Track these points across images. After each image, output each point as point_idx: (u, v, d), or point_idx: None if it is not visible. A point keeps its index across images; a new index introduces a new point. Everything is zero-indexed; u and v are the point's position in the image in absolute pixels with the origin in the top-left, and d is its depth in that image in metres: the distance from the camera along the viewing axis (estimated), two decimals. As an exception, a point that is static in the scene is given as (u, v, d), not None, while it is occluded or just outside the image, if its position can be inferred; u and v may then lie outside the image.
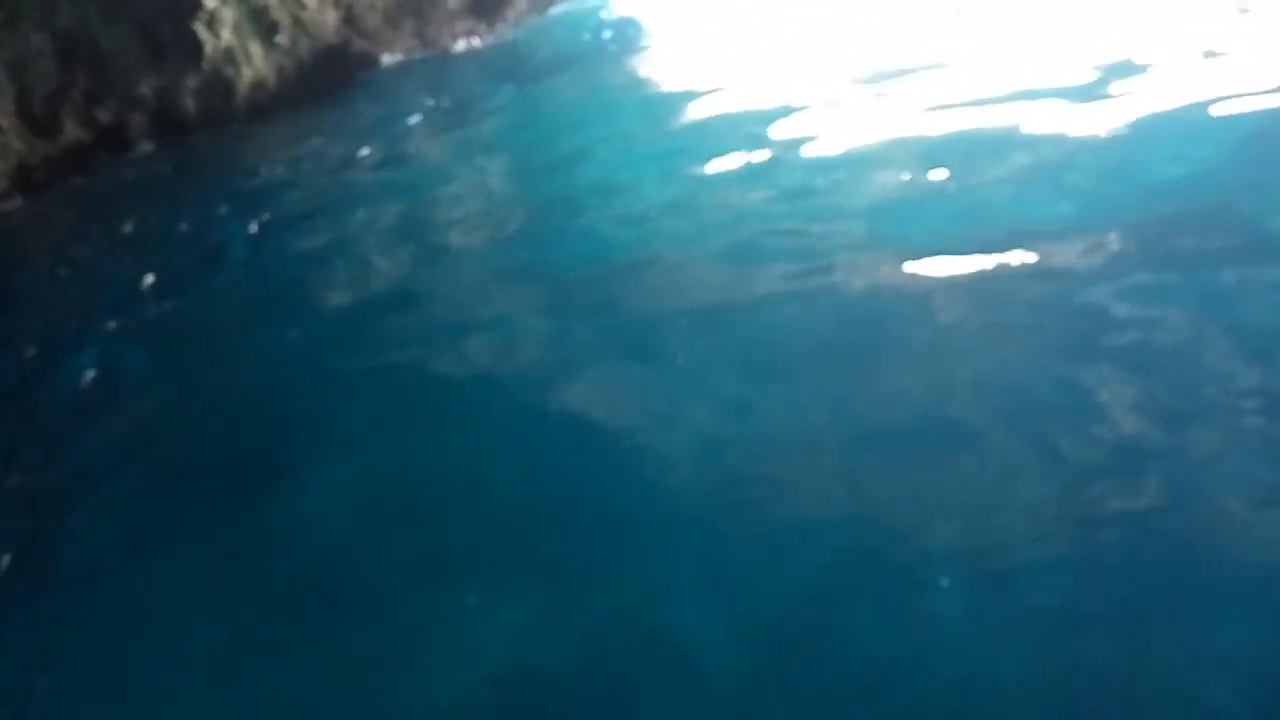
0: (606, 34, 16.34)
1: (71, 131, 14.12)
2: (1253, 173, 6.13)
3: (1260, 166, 6.20)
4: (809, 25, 13.46)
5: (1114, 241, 5.57)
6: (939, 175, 6.98)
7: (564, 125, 10.97)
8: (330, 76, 15.91)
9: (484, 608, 3.91)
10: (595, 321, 6.03)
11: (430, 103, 13.37)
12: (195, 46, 14.77)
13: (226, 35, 15.10)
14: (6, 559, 4.99)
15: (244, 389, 6.35)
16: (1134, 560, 3.51)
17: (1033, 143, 7.22)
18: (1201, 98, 7.32)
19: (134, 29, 14.52)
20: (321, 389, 6.02)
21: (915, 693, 3.20)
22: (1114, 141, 6.97)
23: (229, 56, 15.13)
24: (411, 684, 3.62)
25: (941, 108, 8.32)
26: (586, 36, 16.41)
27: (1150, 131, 7.01)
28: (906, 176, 7.12)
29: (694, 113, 10.09)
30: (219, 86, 15.09)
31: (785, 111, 9.24)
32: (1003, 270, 5.50)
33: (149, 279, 8.72)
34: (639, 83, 12.60)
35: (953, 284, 5.47)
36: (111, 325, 7.88)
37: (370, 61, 16.64)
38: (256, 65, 15.49)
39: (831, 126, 8.52)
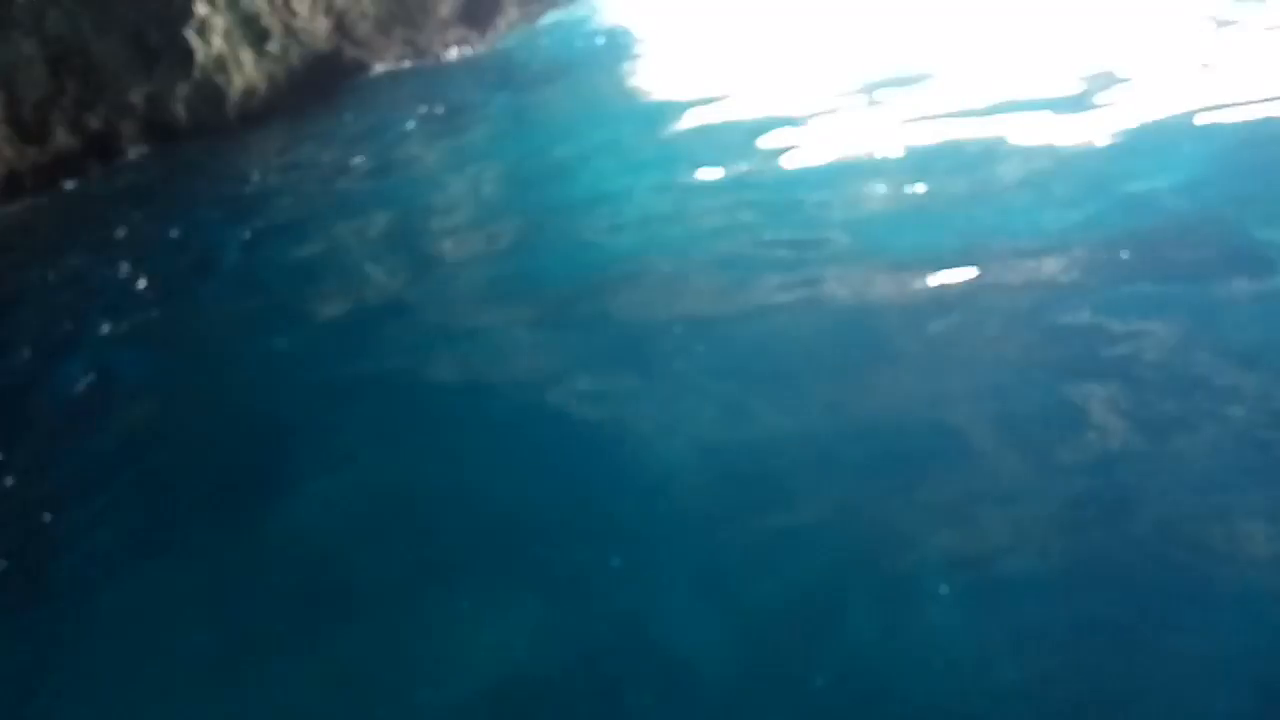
0: (598, 43, 16.40)
1: (62, 138, 14.09)
2: (1238, 184, 6.21)
3: (1245, 178, 6.28)
4: (798, 34, 13.55)
5: (1101, 253, 5.63)
6: (928, 186, 7.05)
7: (556, 134, 11.01)
8: (322, 84, 15.92)
9: (479, 613, 3.94)
10: (588, 330, 6.07)
11: (422, 111, 13.40)
12: (186, 54, 14.77)
13: (218, 42, 15.10)
14: (9, 558, 5.00)
15: (238, 397, 6.36)
16: (1124, 568, 3.56)
17: (1021, 154, 7.30)
18: (1187, 109, 7.42)
19: (125, 36, 14.51)
20: (316, 396, 6.04)
21: (909, 699, 3.24)
22: (1100, 153, 7.06)
23: (220, 64, 15.12)
24: (408, 689, 3.65)
25: (931, 118, 8.40)
26: (578, 45, 16.47)
27: (1136, 143, 7.09)
28: (896, 187, 7.19)
29: (685, 122, 10.15)
30: (210, 94, 15.09)
31: (776, 121, 9.31)
32: (991, 281, 5.56)
33: (141, 285, 8.72)
34: (630, 92, 12.66)
35: (942, 295, 5.52)
36: (104, 332, 7.87)
37: (362, 69, 16.65)
38: (248, 73, 15.50)
39: (822, 137, 8.59)
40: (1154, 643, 3.27)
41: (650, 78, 13.03)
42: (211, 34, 15.02)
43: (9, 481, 5.86)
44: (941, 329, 5.19)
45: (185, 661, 4.10)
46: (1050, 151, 7.22)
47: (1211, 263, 5.37)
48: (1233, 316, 4.86)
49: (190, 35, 14.71)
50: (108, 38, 14.45)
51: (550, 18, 18.86)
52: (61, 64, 14.11)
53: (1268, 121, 6.95)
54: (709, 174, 8.35)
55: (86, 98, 14.33)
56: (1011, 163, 7.17)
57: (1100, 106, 7.85)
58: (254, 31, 15.54)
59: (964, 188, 6.89)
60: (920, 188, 7.06)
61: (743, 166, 8.34)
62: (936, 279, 5.69)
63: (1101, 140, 7.19)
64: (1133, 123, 7.40)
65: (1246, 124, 7.00)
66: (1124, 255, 5.56)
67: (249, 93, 15.43)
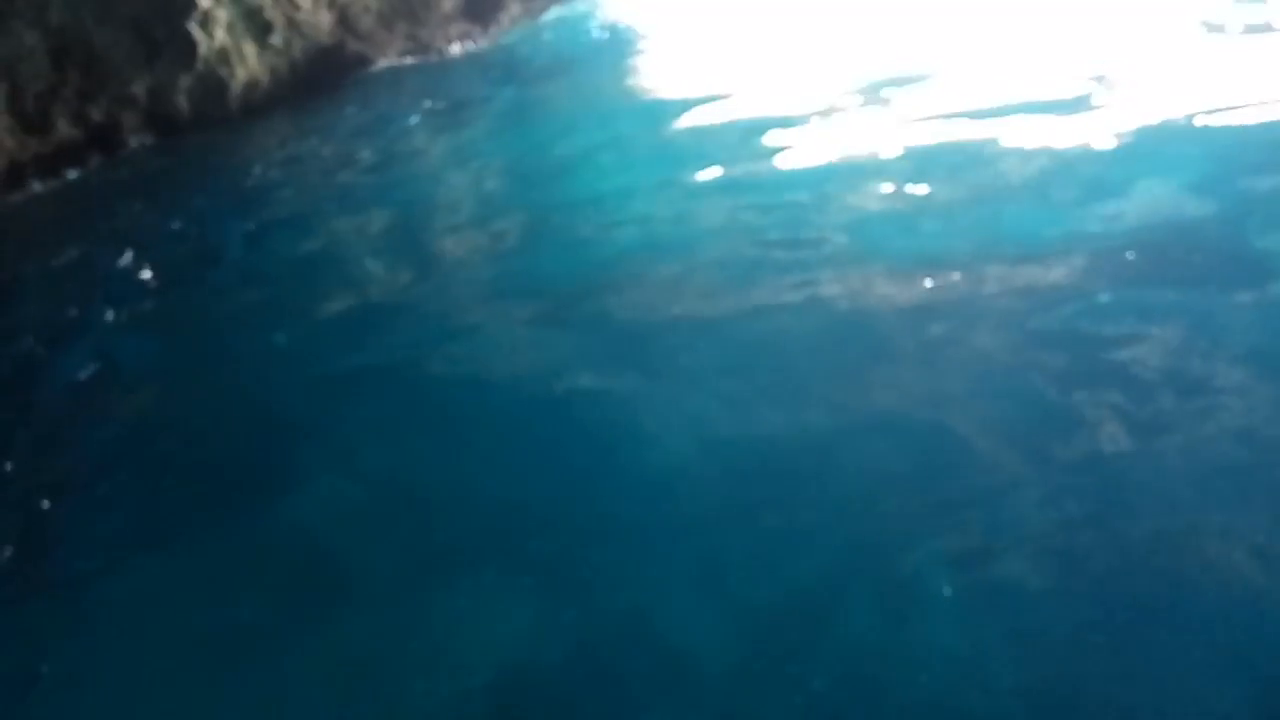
0: (600, 39, 16.42)
1: (64, 129, 14.10)
2: (1237, 188, 6.24)
3: (1244, 182, 6.31)
4: (800, 32, 13.57)
5: (1100, 256, 5.66)
6: (928, 188, 7.08)
7: (558, 131, 11.03)
8: (324, 78, 15.94)
9: (480, 606, 3.97)
10: (589, 327, 6.10)
11: (425, 105, 13.42)
12: (189, 46, 14.78)
13: (220, 35, 15.11)
14: (6, 552, 5.03)
15: (239, 388, 6.39)
16: (1121, 570, 3.58)
17: (1020, 156, 7.33)
18: (1186, 111, 7.45)
19: (127, 28, 14.51)
20: (317, 390, 6.07)
21: (907, 696, 3.27)
22: (1100, 155, 7.09)
23: (223, 56, 15.14)
24: (407, 681, 3.68)
25: (932, 119, 8.43)
26: (581, 41, 16.48)
27: (1135, 146, 7.12)
28: (895, 189, 7.22)
29: (687, 120, 10.17)
30: (212, 86, 15.10)
31: (778, 120, 9.33)
32: (991, 284, 5.59)
33: (142, 276, 8.75)
34: (633, 89, 12.68)
35: (940, 297, 5.55)
36: (105, 322, 7.90)
37: (364, 63, 16.66)
38: (250, 65, 15.51)
39: (823, 136, 8.61)
40: (1151, 644, 3.30)
41: (653, 75, 13.05)
42: (214, 26, 15.03)
43: (14, 468, 5.89)
44: (940, 331, 5.22)
45: (184, 652, 4.13)
46: (1049, 153, 7.25)
47: (1211, 268, 5.39)
48: (1231, 322, 4.88)
49: (193, 27, 14.72)
50: (110, 29, 14.46)
51: (553, 13, 18.87)
52: (64, 55, 14.12)
53: (1266, 125, 6.98)
54: (710, 173, 8.38)
55: (89, 89, 14.34)
56: (1011, 165, 7.20)
57: (1099, 108, 7.88)
58: (257, 24, 15.54)
59: (964, 189, 6.93)
60: (920, 189, 7.09)
61: (744, 166, 8.36)
62: (936, 280, 5.72)
63: (1100, 143, 7.22)
64: (1132, 125, 7.43)
65: (1245, 127, 7.03)
66: (1123, 259, 5.59)
67: (251, 85, 15.45)
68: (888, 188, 7.27)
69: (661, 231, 7.43)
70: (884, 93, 9.45)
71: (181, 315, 7.96)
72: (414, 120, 12.77)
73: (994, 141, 7.63)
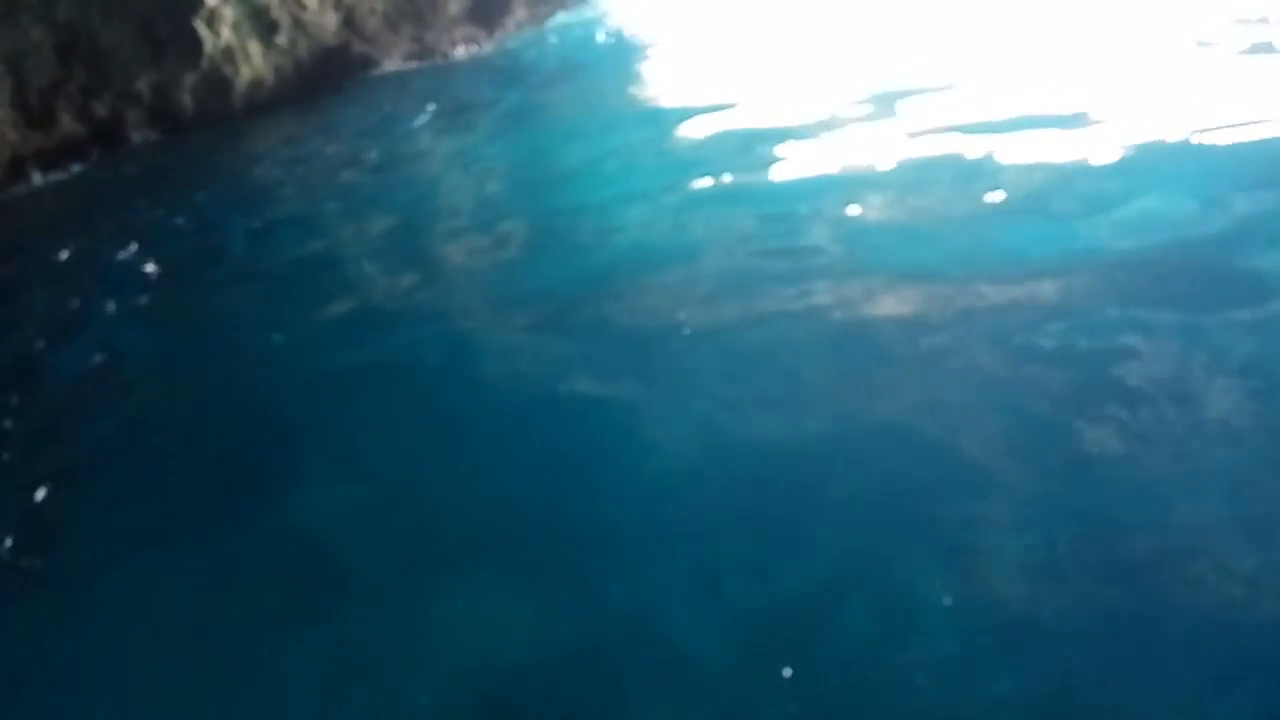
0: (606, 45, 16.49)
1: (68, 124, 14.14)
2: (1236, 205, 6.27)
3: (1243, 199, 6.33)
4: (805, 41, 13.64)
5: (1096, 272, 5.69)
6: (927, 200, 7.12)
7: (562, 137, 11.08)
8: (329, 78, 15.99)
9: (478, 607, 3.99)
10: (590, 333, 6.12)
11: (429, 108, 13.46)
12: (194, 44, 14.82)
13: (226, 33, 15.16)
14: (8, 542, 5.04)
15: (239, 386, 6.41)
16: (1114, 583, 3.60)
17: (1019, 170, 7.36)
18: (1185, 128, 7.48)
19: (133, 24, 14.56)
20: (317, 388, 6.10)
21: (903, 700, 3.29)
22: (1097, 171, 7.12)
23: (228, 55, 15.18)
24: (405, 680, 3.69)
25: (931, 131, 8.48)
26: (586, 47, 16.55)
27: (1134, 162, 7.16)
28: (895, 201, 7.26)
29: (689, 128, 10.22)
30: (217, 84, 15.15)
31: (779, 130, 9.38)
32: (988, 297, 5.62)
33: (145, 272, 8.78)
34: (637, 96, 12.73)
35: (938, 310, 5.58)
36: (106, 316, 7.93)
37: (369, 65, 16.72)
38: (255, 64, 15.55)
39: (825, 147, 8.66)
40: (1145, 657, 3.32)
41: (657, 82, 13.10)
42: (220, 24, 15.08)
43: (10, 461, 5.91)
44: (937, 342, 5.25)
45: (181, 648, 4.14)
46: (1048, 168, 7.29)
47: (1209, 285, 5.41)
48: (1228, 339, 4.90)
49: (199, 25, 14.77)
50: (116, 26, 14.50)
51: (558, 18, 18.94)
52: (69, 51, 14.16)
53: (1265, 142, 7.01)
54: (713, 181, 8.41)
55: (93, 85, 14.38)
56: (1010, 179, 7.23)
57: (1098, 124, 7.92)
58: (262, 23, 15.60)
59: (963, 202, 6.96)
60: (919, 201, 7.13)
61: (746, 175, 8.40)
62: (933, 292, 5.75)
63: (1099, 158, 7.26)
64: (1131, 141, 7.46)
65: (1244, 144, 7.06)
66: (1121, 275, 5.61)
67: (256, 84, 15.49)
68: (887, 199, 7.31)
69: (663, 239, 7.46)
70: (886, 105, 9.49)
71: (183, 311, 7.98)
72: (418, 123, 12.82)
73: (993, 155, 7.67)
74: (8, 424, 6.35)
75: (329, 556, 4.52)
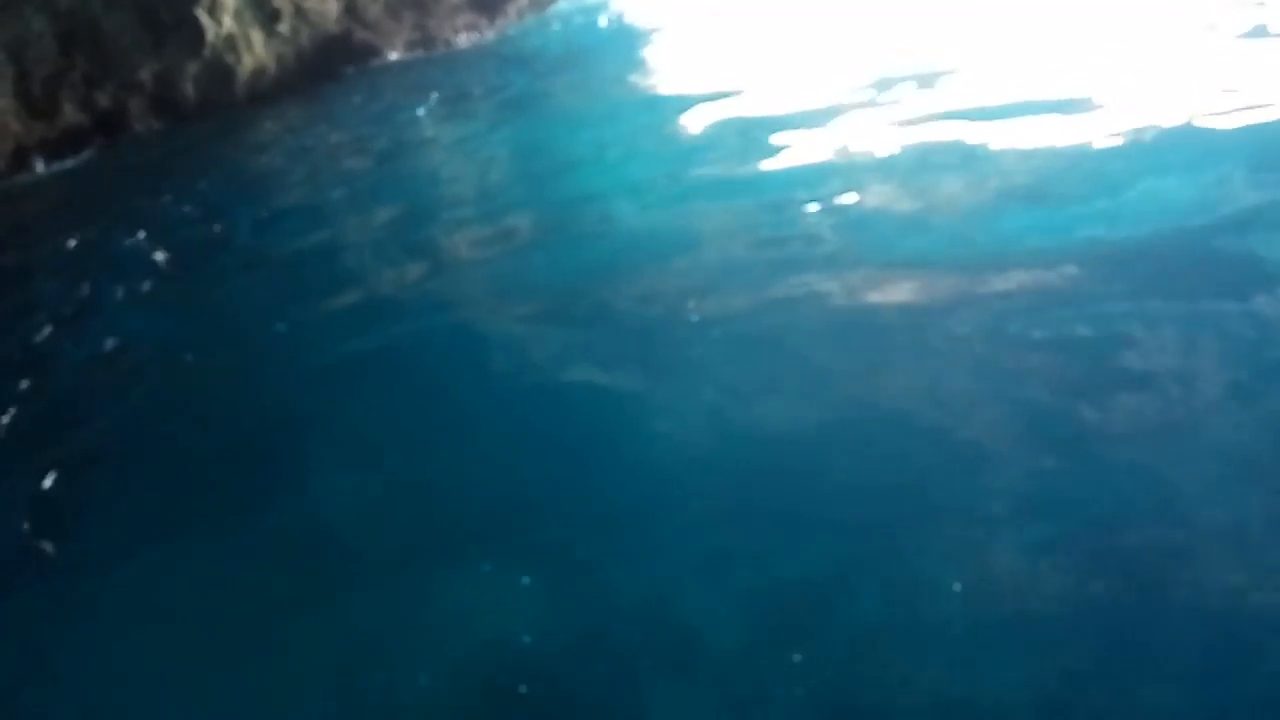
0: (608, 33, 16.46)
1: (70, 114, 14.16)
2: (1236, 191, 6.27)
3: (1244, 185, 6.32)
4: (807, 28, 13.61)
5: (1098, 259, 5.70)
6: (932, 187, 7.13)
7: (564, 125, 11.08)
8: (331, 66, 16.00)
9: (485, 592, 4.03)
10: (592, 321, 6.15)
11: (431, 96, 13.45)
12: (197, 32, 14.83)
13: (228, 22, 15.15)
14: (19, 529, 5.09)
15: (245, 373, 6.45)
16: (1125, 572, 3.62)
17: (1020, 156, 7.37)
18: (1189, 112, 7.47)
19: (135, 14, 14.56)
20: (322, 377, 6.13)
21: (912, 682, 3.32)
22: (1099, 156, 7.11)
23: (230, 43, 15.18)
24: (412, 666, 3.73)
25: (933, 118, 8.47)
26: (588, 35, 16.53)
27: (1137, 147, 7.15)
28: (897, 188, 7.27)
29: (692, 116, 10.22)
30: (219, 73, 15.16)
31: (783, 117, 9.38)
32: (990, 284, 5.63)
33: (149, 260, 8.82)
34: (639, 84, 12.72)
35: (940, 296, 5.59)
36: (112, 305, 7.98)
37: (371, 53, 16.71)
38: (257, 53, 15.55)
39: (827, 135, 8.66)
40: (1154, 643, 3.34)
41: (661, 70, 13.09)
42: (222, 13, 15.07)
43: (20, 449, 5.96)
44: (939, 330, 5.26)
45: (190, 635, 4.17)
46: (1050, 153, 7.28)
47: (1212, 272, 5.40)
48: (1232, 327, 4.90)
49: (200, 14, 14.76)
50: (118, 14, 14.50)
51: (561, 6, 18.90)
52: (72, 40, 14.17)
53: (1268, 127, 6.99)
54: (716, 169, 8.43)
55: (95, 74, 14.39)
56: (1012, 165, 7.24)
57: (1100, 109, 7.91)
58: (264, 12, 15.59)
59: (964, 189, 6.97)
60: (921, 188, 7.13)
61: (748, 162, 8.41)
62: (936, 279, 5.77)
63: (1101, 144, 7.25)
64: (1131, 126, 7.45)
65: (1247, 129, 7.04)
66: (1123, 262, 5.62)
67: (258, 73, 15.50)
68: (890, 186, 7.32)
69: (666, 226, 7.48)
70: (888, 91, 9.49)
71: (190, 299, 8.02)
72: (421, 111, 12.82)
73: (994, 141, 7.67)
74: (17, 411, 6.39)
75: (336, 543, 4.56)
